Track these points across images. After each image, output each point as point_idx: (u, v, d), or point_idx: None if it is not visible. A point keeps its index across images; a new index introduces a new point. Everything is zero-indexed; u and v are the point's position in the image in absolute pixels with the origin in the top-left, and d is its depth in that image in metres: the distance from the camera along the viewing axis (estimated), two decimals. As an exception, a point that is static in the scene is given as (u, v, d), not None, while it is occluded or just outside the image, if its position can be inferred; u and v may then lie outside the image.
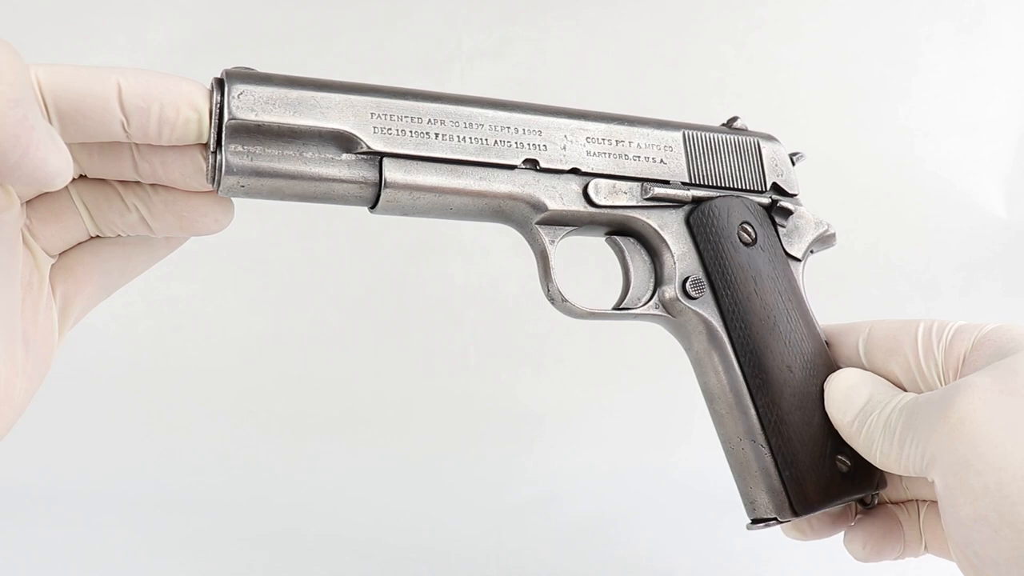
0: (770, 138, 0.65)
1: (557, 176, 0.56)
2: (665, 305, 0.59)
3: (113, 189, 0.49)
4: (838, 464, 0.57)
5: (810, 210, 0.64)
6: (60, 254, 0.50)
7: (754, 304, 0.58)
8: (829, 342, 0.61)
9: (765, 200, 0.62)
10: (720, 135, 0.63)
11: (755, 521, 0.58)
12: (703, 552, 0.97)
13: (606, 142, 0.58)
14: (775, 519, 0.57)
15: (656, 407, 1.20)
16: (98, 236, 0.51)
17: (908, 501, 0.60)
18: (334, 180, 0.49)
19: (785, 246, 0.62)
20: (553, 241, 0.57)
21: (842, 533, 0.61)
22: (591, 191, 0.57)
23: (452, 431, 1.21)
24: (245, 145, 0.47)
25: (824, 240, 0.65)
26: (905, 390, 0.56)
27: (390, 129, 0.50)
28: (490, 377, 1.25)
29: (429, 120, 0.52)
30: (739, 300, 0.58)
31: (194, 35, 1.23)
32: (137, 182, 0.49)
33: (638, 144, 0.59)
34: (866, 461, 0.55)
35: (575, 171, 0.57)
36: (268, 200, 0.50)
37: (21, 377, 0.46)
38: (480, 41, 1.27)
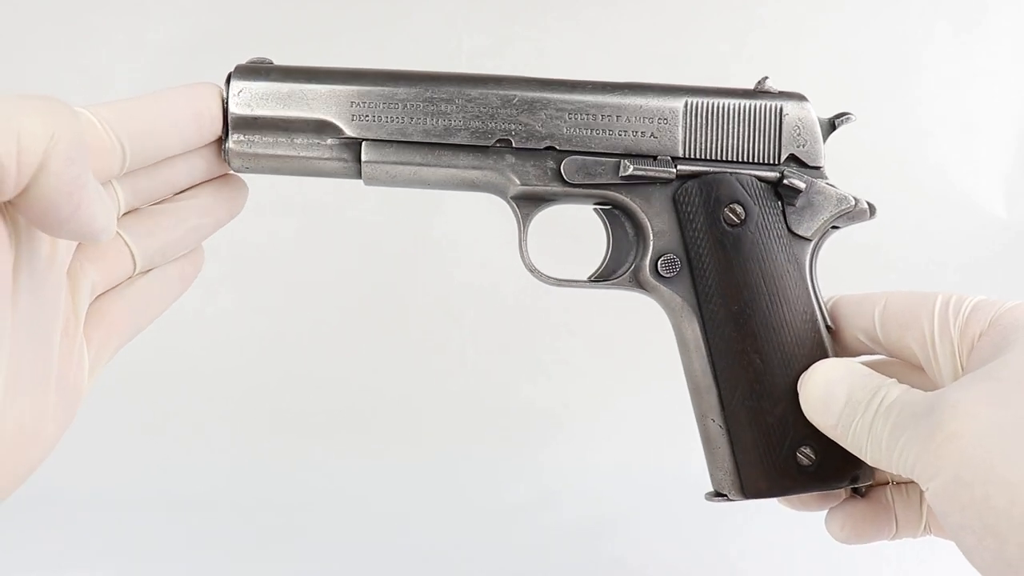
0: (799, 101, 0.61)
1: (531, 154, 0.56)
2: (639, 280, 0.59)
3: (159, 209, 0.54)
4: (799, 457, 0.56)
5: (835, 183, 0.60)
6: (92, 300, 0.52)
7: (729, 288, 0.57)
8: (839, 315, 0.59)
9: (772, 175, 0.58)
10: (731, 102, 0.59)
11: (715, 494, 0.60)
12: (705, 553, 0.97)
13: (590, 116, 0.57)
14: (727, 496, 0.59)
15: (658, 407, 1.19)
16: (129, 278, 0.54)
17: (910, 482, 0.60)
18: (321, 160, 0.57)
19: (793, 224, 0.58)
20: (527, 215, 0.59)
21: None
22: (564, 169, 0.56)
23: (452, 431, 1.21)
24: (245, 134, 0.55)
25: (853, 216, 0.61)
26: (921, 368, 0.55)
27: (367, 116, 0.55)
28: (490, 377, 1.25)
29: (405, 105, 0.56)
30: (714, 283, 0.57)
31: (194, 35, 1.23)
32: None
33: (627, 118, 0.57)
34: (837, 459, 0.55)
35: (551, 149, 0.56)
36: (272, 176, 0.58)
37: (51, 423, 0.47)
38: (480, 41, 1.27)
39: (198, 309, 1.26)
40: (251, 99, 0.55)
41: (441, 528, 1.04)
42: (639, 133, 0.57)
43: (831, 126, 0.61)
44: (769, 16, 1.29)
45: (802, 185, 0.58)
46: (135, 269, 0.53)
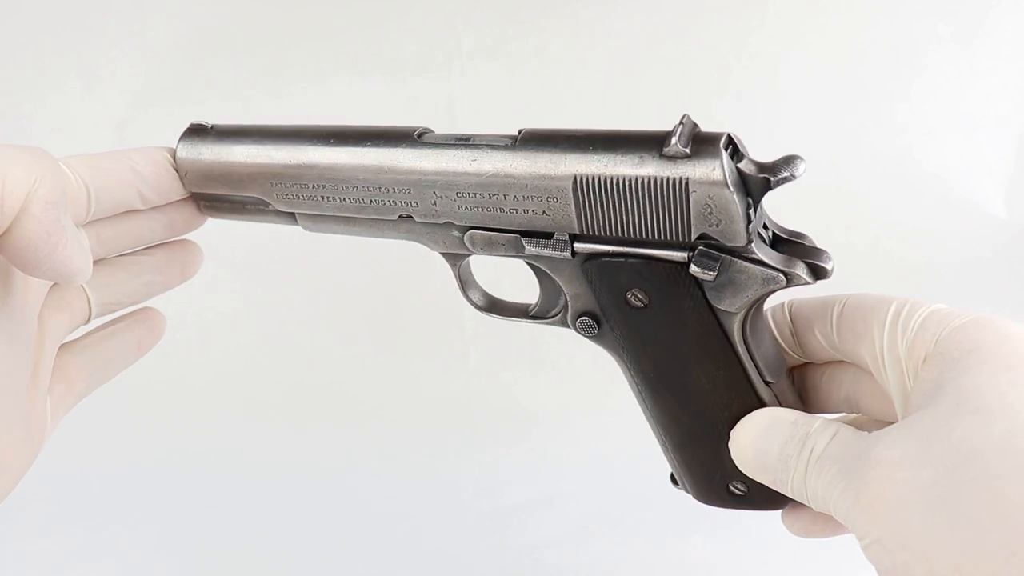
0: (710, 164, 0.46)
1: (435, 226, 0.56)
2: (571, 325, 0.58)
3: (116, 261, 0.59)
4: (731, 489, 0.58)
5: (766, 260, 0.49)
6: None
7: (645, 358, 0.55)
8: (802, 318, 0.57)
9: (680, 257, 0.50)
10: (625, 178, 0.48)
11: (673, 478, 0.63)
12: (705, 554, 0.97)
13: (478, 196, 0.53)
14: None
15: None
16: (78, 339, 0.57)
17: None
18: (270, 220, 0.62)
19: (714, 299, 0.51)
20: (455, 264, 0.60)
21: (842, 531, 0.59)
22: (467, 241, 0.55)
23: (452, 431, 1.21)
24: (207, 202, 0.62)
25: (786, 287, 0.50)
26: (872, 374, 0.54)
27: (288, 194, 0.59)
28: (490, 377, 1.25)
29: (313, 185, 0.58)
30: (629, 352, 0.56)
31: (194, 35, 1.23)
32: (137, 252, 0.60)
33: (515, 196, 0.52)
34: (771, 491, 0.53)
35: (450, 223, 0.55)
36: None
37: (17, 458, 0.50)
38: (480, 41, 1.27)
39: (199, 313, 1.26)
40: (196, 180, 0.60)
41: (441, 528, 1.04)
42: (531, 211, 0.52)
43: (765, 185, 0.47)
44: (770, 16, 1.29)
45: (711, 276, 0.49)
46: (90, 318, 0.57)
